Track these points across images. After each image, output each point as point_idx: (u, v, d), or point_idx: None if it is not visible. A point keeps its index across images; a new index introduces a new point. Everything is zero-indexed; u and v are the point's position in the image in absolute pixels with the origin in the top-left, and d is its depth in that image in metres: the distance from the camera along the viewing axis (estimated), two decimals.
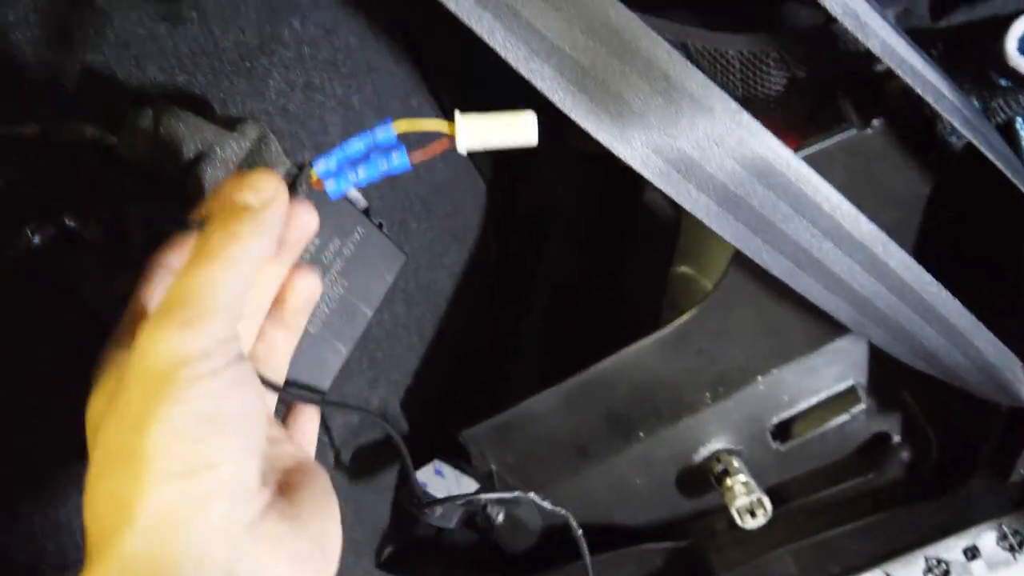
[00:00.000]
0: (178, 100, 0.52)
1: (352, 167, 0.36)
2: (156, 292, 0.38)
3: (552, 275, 1.09)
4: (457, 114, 0.36)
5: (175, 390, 0.28)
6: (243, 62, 0.57)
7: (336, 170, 0.37)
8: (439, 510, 0.80)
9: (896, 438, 0.78)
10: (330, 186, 0.37)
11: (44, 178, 0.46)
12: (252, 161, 0.48)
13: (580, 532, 0.74)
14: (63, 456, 0.47)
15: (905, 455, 0.77)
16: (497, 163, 1.06)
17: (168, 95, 0.54)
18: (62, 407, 0.48)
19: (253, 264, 0.32)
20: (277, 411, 0.44)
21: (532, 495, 0.76)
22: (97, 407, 0.34)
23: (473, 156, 0.98)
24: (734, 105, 0.48)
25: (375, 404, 0.75)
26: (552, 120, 0.96)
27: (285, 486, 0.34)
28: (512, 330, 1.05)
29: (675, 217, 1.06)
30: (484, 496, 0.77)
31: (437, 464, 0.80)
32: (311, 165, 0.37)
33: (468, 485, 0.81)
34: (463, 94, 0.90)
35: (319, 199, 0.50)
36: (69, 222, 0.43)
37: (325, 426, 0.66)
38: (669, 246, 1.03)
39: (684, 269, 1.02)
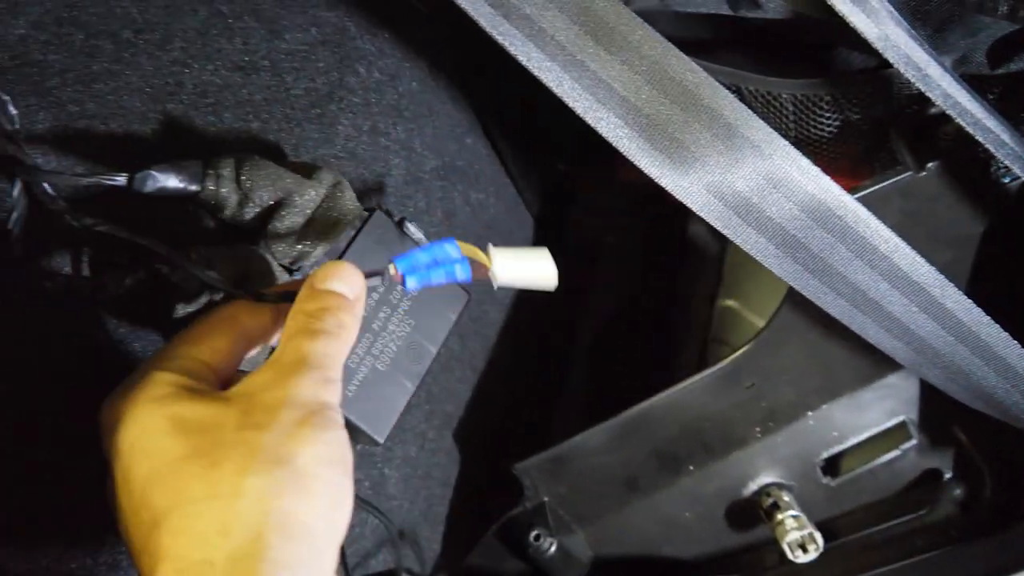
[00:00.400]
0: (254, 145, 0.55)
1: (425, 269, 0.42)
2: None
3: (599, 307, 1.10)
4: (491, 247, 0.44)
5: (326, 423, 0.33)
6: (313, 109, 0.60)
7: (411, 269, 0.42)
8: None
9: (948, 475, 0.77)
10: (409, 283, 0.42)
11: (133, 224, 0.48)
12: (328, 207, 0.50)
13: None
14: None
15: (958, 492, 0.76)
16: (545, 199, 1.08)
17: (244, 141, 0.56)
18: None
19: (349, 345, 0.38)
20: None
21: None
22: (214, 417, 0.34)
23: (523, 192, 1.00)
24: (793, 151, 0.49)
25: (431, 436, 0.77)
26: (602, 153, 0.98)
27: None
28: (560, 362, 1.07)
29: (719, 251, 1.07)
30: None
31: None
32: (392, 262, 0.42)
33: None
34: (512, 132, 0.92)
35: (390, 239, 0.53)
36: (159, 266, 0.45)
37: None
38: (714, 279, 1.04)
39: (729, 303, 1.02)
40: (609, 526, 0.81)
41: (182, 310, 0.47)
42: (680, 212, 1.13)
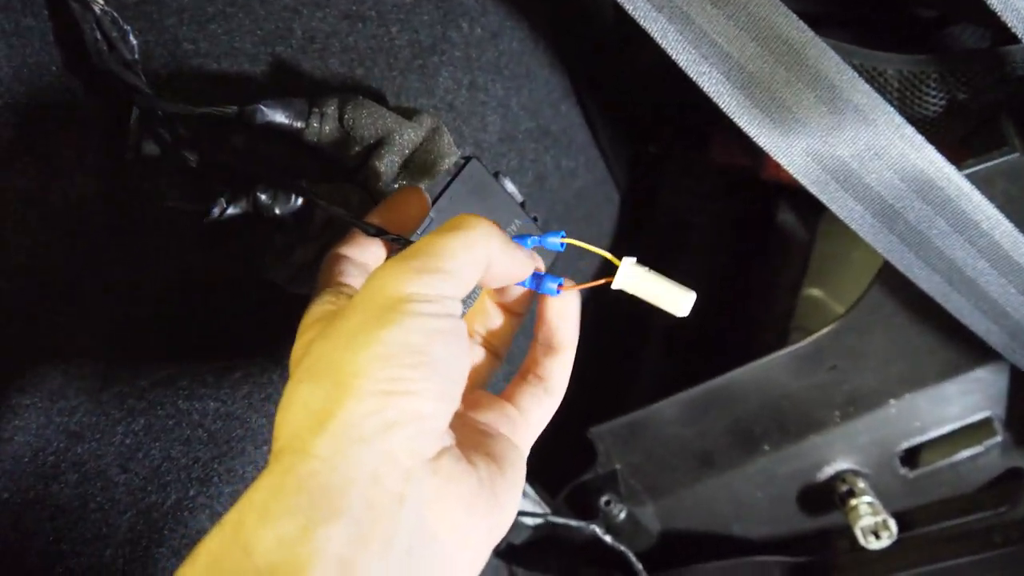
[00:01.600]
0: (357, 91, 0.56)
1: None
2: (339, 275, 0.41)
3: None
4: (625, 260, 0.38)
5: (395, 317, 0.31)
6: (416, 60, 0.61)
7: None
8: None
9: None
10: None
11: (239, 155, 0.50)
12: (426, 149, 0.51)
13: (640, 567, 0.77)
14: (225, 396, 0.51)
15: None
16: (633, 176, 1.07)
17: (348, 87, 0.57)
18: (232, 362, 0.52)
19: (484, 252, 0.35)
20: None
21: (594, 526, 0.78)
22: (302, 342, 0.36)
23: (612, 168, 1.00)
24: (898, 118, 0.48)
25: None
26: (693, 138, 0.97)
27: (477, 446, 0.36)
28: (640, 338, 1.07)
29: (808, 239, 1.06)
30: (552, 519, 0.81)
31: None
32: None
33: (545, 510, 0.83)
34: (606, 107, 0.92)
35: (484, 189, 0.53)
36: (262, 196, 0.47)
37: None
38: (800, 267, 1.03)
39: (814, 292, 1.01)
40: (680, 500, 0.81)
41: (280, 239, 0.49)
42: (769, 199, 1.13)
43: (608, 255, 0.39)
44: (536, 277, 0.40)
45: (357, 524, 0.29)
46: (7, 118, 0.43)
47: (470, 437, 0.36)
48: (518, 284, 0.40)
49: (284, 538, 0.28)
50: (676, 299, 0.37)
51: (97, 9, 0.45)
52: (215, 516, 0.45)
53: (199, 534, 0.44)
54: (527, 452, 0.39)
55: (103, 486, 0.46)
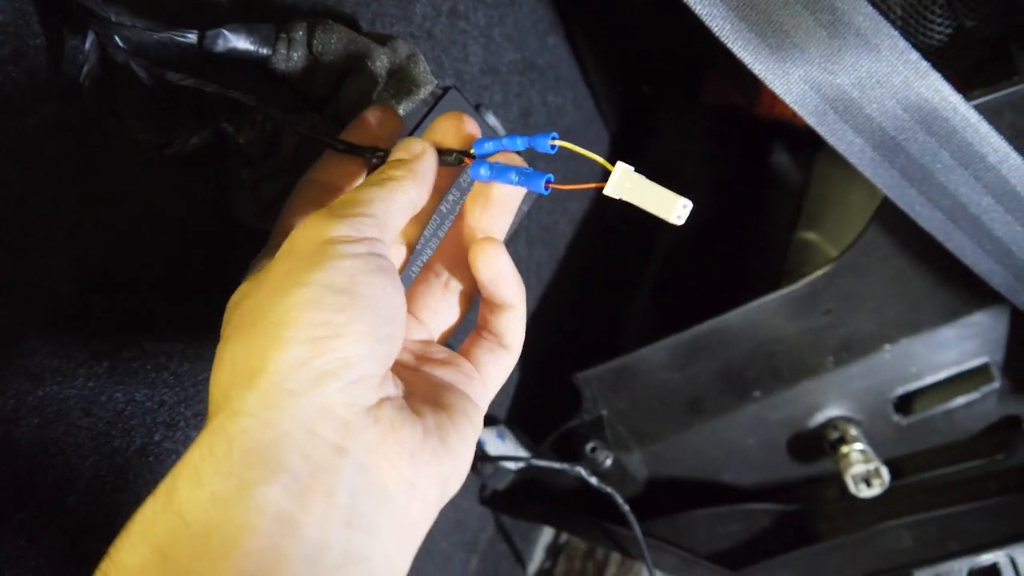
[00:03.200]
0: (330, 17, 0.52)
1: (505, 167, 0.37)
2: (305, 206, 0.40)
3: (673, 235, 1.07)
4: (619, 164, 0.35)
5: (319, 261, 0.31)
6: None
7: (488, 154, 0.38)
8: (491, 468, 0.81)
9: None
10: (476, 171, 0.38)
11: (200, 84, 0.46)
12: (401, 77, 0.48)
13: (627, 508, 0.74)
14: (193, 337, 0.49)
15: None
16: (623, 117, 1.04)
17: (319, 12, 0.54)
18: (195, 301, 0.49)
19: (405, 197, 0.35)
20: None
21: (579, 469, 0.75)
22: (241, 291, 0.34)
23: (602, 106, 0.96)
24: (902, 43, 0.45)
25: None
26: (687, 76, 0.94)
27: (427, 398, 0.35)
28: (629, 280, 1.04)
29: (802, 181, 1.03)
30: (535, 462, 0.79)
31: (501, 429, 0.81)
32: (473, 146, 0.38)
33: (527, 454, 0.81)
34: (598, 41, 0.88)
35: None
36: (225, 127, 0.44)
37: None
38: (794, 210, 1.01)
39: (808, 235, 0.99)
40: (668, 446, 0.79)
41: (247, 173, 0.46)
42: (763, 140, 1.10)
43: (602, 160, 0.36)
44: (523, 174, 0.37)
45: (296, 479, 0.28)
46: None
47: (421, 389, 0.35)
48: (504, 182, 0.37)
49: (219, 500, 0.27)
50: (670, 205, 0.34)
51: None
52: None
53: None
54: (484, 408, 0.38)
55: (65, 430, 0.44)
